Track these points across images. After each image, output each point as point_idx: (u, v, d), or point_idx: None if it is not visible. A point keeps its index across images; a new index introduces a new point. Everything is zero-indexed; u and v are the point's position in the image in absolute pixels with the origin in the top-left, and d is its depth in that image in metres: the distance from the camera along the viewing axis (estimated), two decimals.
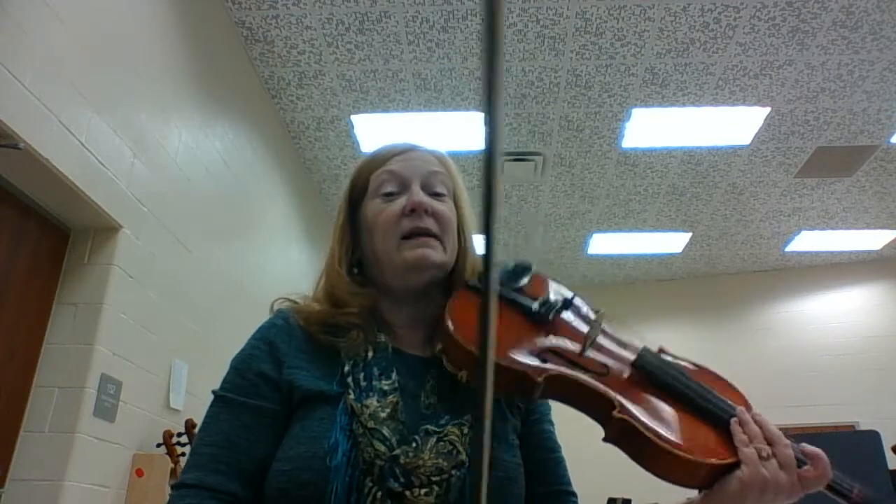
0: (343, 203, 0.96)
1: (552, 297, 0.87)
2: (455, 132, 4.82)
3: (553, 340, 0.83)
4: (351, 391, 0.82)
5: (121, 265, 2.67)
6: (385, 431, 0.78)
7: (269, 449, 0.82)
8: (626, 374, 0.81)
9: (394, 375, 0.84)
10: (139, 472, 2.67)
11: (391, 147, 0.95)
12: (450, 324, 0.81)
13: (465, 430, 0.81)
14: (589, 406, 0.78)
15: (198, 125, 3.44)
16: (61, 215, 2.61)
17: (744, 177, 5.49)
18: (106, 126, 2.59)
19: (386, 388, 0.82)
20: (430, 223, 0.87)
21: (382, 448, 0.77)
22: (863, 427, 5.98)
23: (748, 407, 0.80)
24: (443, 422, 0.81)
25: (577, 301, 0.90)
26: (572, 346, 0.83)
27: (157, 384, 2.95)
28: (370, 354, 0.86)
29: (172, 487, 0.82)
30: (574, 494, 0.94)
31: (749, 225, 6.39)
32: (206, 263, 3.48)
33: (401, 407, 0.81)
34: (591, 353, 0.82)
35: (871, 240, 6.70)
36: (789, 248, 6.89)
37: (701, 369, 0.85)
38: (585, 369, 0.78)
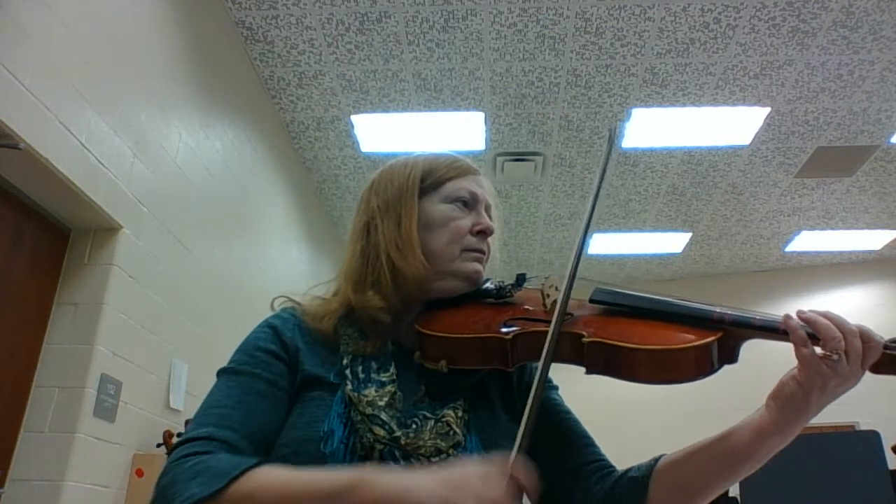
0: (416, 193, 0.97)
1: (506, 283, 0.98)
2: (455, 132, 4.83)
3: (517, 311, 0.91)
4: (349, 382, 0.84)
5: (121, 265, 2.67)
6: (384, 416, 0.81)
7: (280, 423, 0.82)
8: (588, 313, 0.88)
9: (392, 368, 0.87)
10: (139, 473, 2.67)
11: (467, 163, 1.04)
12: (416, 325, 0.91)
13: (460, 413, 0.84)
14: (567, 351, 0.82)
15: (198, 125, 3.44)
16: (61, 215, 2.61)
17: (744, 177, 5.49)
18: (106, 126, 2.59)
19: (384, 379, 0.85)
20: (485, 246, 0.98)
21: (382, 432, 0.80)
22: (863, 427, 5.97)
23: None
24: (438, 408, 0.85)
25: (531, 278, 0.99)
26: (534, 309, 0.91)
27: (157, 384, 2.95)
28: (369, 350, 0.89)
29: (176, 444, 0.78)
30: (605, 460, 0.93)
31: (749, 225, 6.39)
32: (206, 263, 3.48)
33: (398, 396, 0.84)
34: (552, 308, 0.88)
35: (871, 240, 6.70)
36: (789, 248, 6.89)
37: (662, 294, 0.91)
38: (549, 322, 0.82)
